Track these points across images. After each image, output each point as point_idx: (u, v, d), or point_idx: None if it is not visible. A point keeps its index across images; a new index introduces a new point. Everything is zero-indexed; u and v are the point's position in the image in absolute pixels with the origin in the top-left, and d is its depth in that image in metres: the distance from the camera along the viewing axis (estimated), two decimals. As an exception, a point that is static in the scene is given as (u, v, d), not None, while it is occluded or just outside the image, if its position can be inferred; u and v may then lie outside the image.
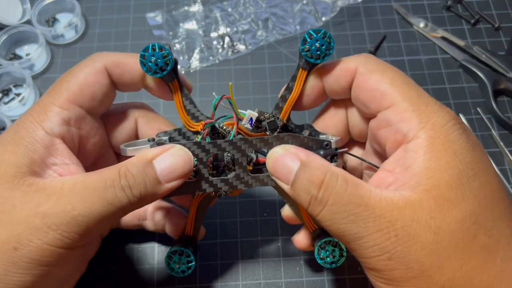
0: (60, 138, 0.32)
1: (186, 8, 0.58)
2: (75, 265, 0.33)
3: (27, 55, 0.56)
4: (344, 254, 0.35)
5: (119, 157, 0.39)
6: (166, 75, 0.33)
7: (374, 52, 0.55)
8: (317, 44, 0.32)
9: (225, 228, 0.45)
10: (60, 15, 0.59)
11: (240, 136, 0.34)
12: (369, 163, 0.35)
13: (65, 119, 0.32)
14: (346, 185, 0.28)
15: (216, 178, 0.33)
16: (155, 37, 0.57)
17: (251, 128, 0.33)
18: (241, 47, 0.56)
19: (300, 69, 0.34)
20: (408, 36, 0.57)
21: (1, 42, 0.55)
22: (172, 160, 0.30)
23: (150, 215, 0.41)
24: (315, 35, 0.32)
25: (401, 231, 0.27)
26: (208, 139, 0.33)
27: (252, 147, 0.32)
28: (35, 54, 0.54)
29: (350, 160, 0.39)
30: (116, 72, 0.34)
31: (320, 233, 0.36)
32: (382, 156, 0.34)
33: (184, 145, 0.32)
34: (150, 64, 0.32)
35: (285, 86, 0.35)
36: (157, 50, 0.32)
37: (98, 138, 0.35)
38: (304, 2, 0.58)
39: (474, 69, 0.53)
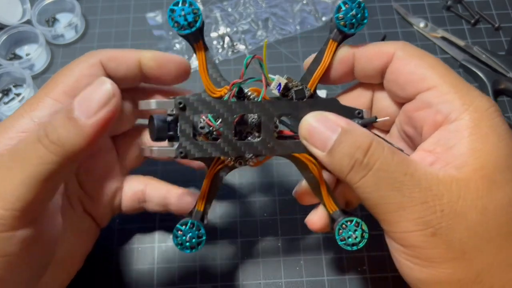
0: None
1: (186, 8, 0.58)
2: (41, 241, 0.30)
3: (27, 55, 0.56)
4: (366, 235, 0.33)
5: (115, 141, 0.39)
6: (193, 33, 0.31)
7: (374, 52, 0.55)
8: (352, 12, 0.31)
9: (225, 228, 0.45)
10: (60, 15, 0.59)
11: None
12: (397, 147, 0.34)
13: (58, 110, 0.31)
14: (392, 153, 0.27)
15: (240, 141, 0.31)
16: (155, 37, 0.57)
17: (278, 94, 0.32)
18: (241, 47, 0.56)
19: (330, 41, 0.33)
20: (408, 36, 0.57)
21: (1, 42, 0.55)
22: (91, 96, 0.27)
23: (149, 196, 0.39)
24: (350, 3, 0.31)
25: (447, 207, 0.26)
26: (234, 100, 0.32)
27: (281, 110, 0.32)
28: (35, 54, 0.54)
29: None
30: (111, 65, 0.34)
31: (339, 214, 0.34)
32: (413, 140, 0.33)
33: (210, 103, 0.31)
34: (178, 18, 0.30)
35: (310, 59, 0.34)
36: (187, 5, 0.30)
37: None
38: (304, 2, 0.58)
39: (474, 69, 0.53)
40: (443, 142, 0.29)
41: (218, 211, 0.46)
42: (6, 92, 0.54)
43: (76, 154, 0.27)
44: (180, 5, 0.30)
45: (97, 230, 0.38)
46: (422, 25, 0.57)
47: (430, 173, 0.27)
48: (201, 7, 0.58)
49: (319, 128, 0.29)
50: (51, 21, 0.58)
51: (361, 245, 0.33)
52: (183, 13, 0.30)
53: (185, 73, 0.36)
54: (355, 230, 0.32)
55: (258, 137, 0.32)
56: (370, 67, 0.33)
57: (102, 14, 0.59)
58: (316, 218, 0.35)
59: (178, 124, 0.31)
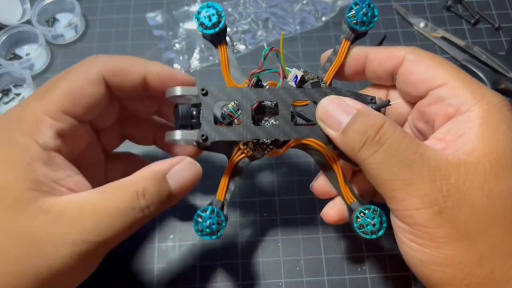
0: (56, 151, 0.30)
1: (186, 8, 0.58)
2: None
3: (27, 55, 0.56)
4: (385, 224, 0.33)
5: (106, 159, 0.39)
6: (216, 33, 0.33)
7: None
8: (363, 10, 0.34)
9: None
10: (60, 15, 0.59)
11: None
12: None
13: (59, 131, 0.30)
14: (404, 133, 0.28)
15: (257, 127, 0.33)
16: (155, 37, 0.57)
17: (295, 86, 0.34)
18: (241, 47, 0.56)
19: (344, 40, 0.35)
20: (408, 36, 0.57)
21: (1, 42, 0.55)
22: (184, 174, 0.31)
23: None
24: (361, 4, 0.34)
25: (454, 187, 0.27)
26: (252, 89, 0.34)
27: (296, 97, 0.33)
28: (35, 54, 0.54)
29: None
30: (115, 80, 0.33)
31: (357, 204, 0.34)
32: (425, 136, 0.34)
33: (230, 91, 0.32)
34: (203, 20, 0.33)
35: (327, 53, 0.36)
36: (211, 8, 0.33)
37: (89, 142, 0.35)
38: (304, 2, 0.58)
39: (474, 69, 0.53)
40: (454, 131, 0.30)
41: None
42: (6, 92, 0.54)
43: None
44: (206, 7, 0.33)
45: None
46: (422, 25, 0.57)
47: (440, 155, 0.28)
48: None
49: (335, 110, 0.31)
50: (51, 21, 0.58)
51: (380, 233, 0.33)
52: (207, 14, 0.33)
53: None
54: (373, 218, 0.33)
55: (276, 124, 0.33)
56: (381, 69, 0.34)
57: (102, 14, 0.59)
58: (333, 211, 0.36)
59: (201, 111, 0.32)
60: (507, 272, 0.27)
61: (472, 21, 0.57)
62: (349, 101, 0.31)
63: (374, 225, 0.32)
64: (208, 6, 0.33)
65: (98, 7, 0.59)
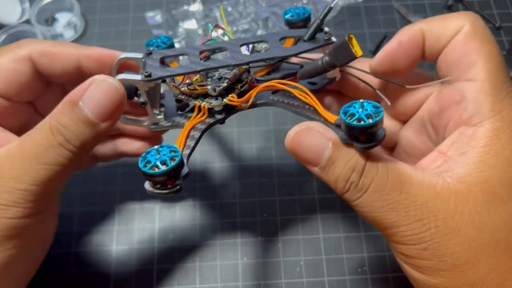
0: None
1: (185, 7, 0.58)
2: (42, 232, 0.33)
3: (26, 54, 0.56)
4: (381, 108, 0.26)
5: None
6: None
7: (375, 51, 0.55)
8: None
9: (225, 228, 0.45)
10: (59, 15, 0.58)
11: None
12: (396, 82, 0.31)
13: None
14: (387, 170, 0.26)
15: (207, 61, 0.31)
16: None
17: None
18: (241, 46, 0.56)
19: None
20: (409, 35, 0.56)
21: (0, 41, 0.55)
22: (99, 96, 0.28)
23: (99, 151, 0.40)
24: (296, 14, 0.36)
25: (442, 223, 0.26)
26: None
27: (242, 42, 0.32)
28: (34, 54, 0.54)
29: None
30: (44, 62, 0.32)
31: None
32: (438, 133, 0.31)
33: (175, 50, 0.32)
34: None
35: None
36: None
37: (28, 121, 0.35)
38: (304, 1, 0.58)
39: (475, 69, 0.53)
40: (457, 146, 0.28)
41: (218, 211, 0.46)
42: (5, 91, 0.53)
43: (88, 150, 0.29)
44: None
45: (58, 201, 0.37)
46: (422, 24, 0.56)
47: (428, 187, 0.26)
48: (201, 6, 0.58)
49: (307, 143, 0.28)
50: (50, 21, 0.58)
51: (381, 114, 0.25)
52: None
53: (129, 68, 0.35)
54: (362, 106, 0.26)
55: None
56: (439, 45, 0.30)
57: (102, 13, 0.59)
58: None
59: (145, 60, 0.31)
60: None
61: (473, 20, 0.57)
62: (321, 130, 0.27)
63: (366, 109, 0.26)
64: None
65: (97, 7, 0.59)
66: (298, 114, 0.31)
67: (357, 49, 0.29)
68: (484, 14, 0.57)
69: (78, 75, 0.34)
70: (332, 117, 0.29)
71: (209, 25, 0.34)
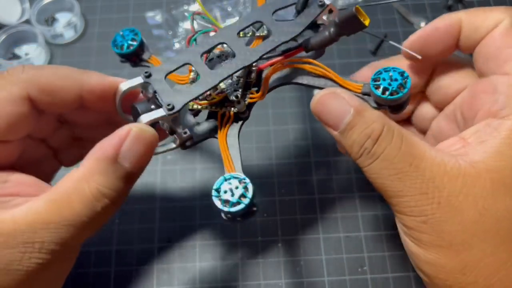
0: None
1: (185, 7, 0.58)
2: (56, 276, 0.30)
3: (26, 54, 0.56)
4: (407, 74, 0.29)
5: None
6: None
7: (375, 51, 0.55)
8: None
9: (225, 228, 0.45)
10: (59, 15, 0.58)
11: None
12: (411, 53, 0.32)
13: None
14: (400, 142, 0.27)
15: (217, 69, 0.30)
16: (154, 36, 0.56)
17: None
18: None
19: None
20: (409, 35, 0.56)
21: (0, 41, 0.55)
22: (137, 149, 0.27)
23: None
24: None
25: (445, 200, 0.26)
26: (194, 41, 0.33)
27: (241, 26, 0.31)
28: (34, 54, 0.54)
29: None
30: (44, 99, 0.30)
31: (367, 83, 0.31)
32: (466, 123, 0.32)
33: (174, 59, 0.30)
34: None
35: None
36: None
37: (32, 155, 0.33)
38: None
39: (475, 69, 0.53)
40: (479, 135, 0.28)
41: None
42: (5, 92, 0.53)
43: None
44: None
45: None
46: (423, 24, 0.56)
47: (438, 165, 0.27)
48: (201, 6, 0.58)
49: (330, 106, 0.29)
50: (50, 21, 0.58)
51: (408, 83, 0.29)
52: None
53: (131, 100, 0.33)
54: (390, 76, 0.29)
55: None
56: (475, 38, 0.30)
57: (102, 13, 0.58)
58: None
59: (155, 88, 0.29)
60: (491, 285, 0.27)
61: (473, 20, 0.57)
62: (345, 96, 0.29)
63: (396, 79, 0.29)
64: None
65: (98, 7, 0.59)
66: (315, 88, 0.32)
67: (364, 18, 0.30)
68: (484, 14, 0.57)
69: (78, 105, 0.32)
70: (355, 86, 0.31)
71: (186, 14, 0.34)
